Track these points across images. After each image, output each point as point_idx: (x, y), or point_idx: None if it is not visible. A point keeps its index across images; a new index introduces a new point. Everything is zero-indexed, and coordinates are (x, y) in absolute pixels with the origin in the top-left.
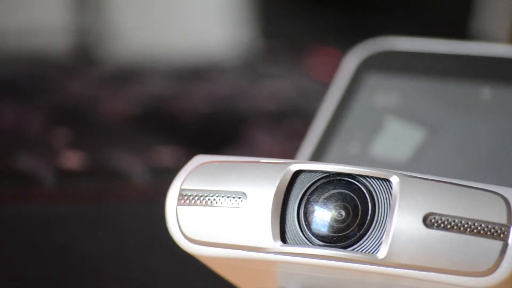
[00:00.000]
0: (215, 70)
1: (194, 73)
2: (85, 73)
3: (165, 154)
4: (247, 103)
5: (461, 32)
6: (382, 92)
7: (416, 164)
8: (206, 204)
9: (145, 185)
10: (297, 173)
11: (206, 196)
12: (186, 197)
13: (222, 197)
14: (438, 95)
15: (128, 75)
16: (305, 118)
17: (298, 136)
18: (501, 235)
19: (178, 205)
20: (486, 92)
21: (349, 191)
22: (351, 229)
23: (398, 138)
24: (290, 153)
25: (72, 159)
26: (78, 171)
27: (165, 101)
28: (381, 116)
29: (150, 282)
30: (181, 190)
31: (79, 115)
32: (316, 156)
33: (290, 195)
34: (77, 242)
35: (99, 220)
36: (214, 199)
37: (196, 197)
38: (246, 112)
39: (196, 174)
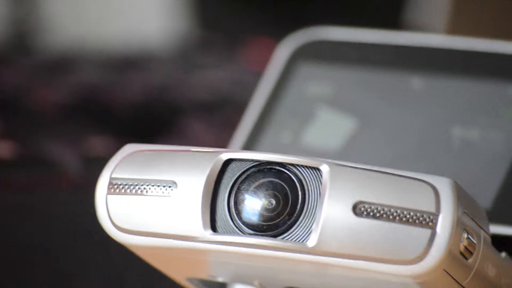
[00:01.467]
0: (150, 60)
1: (129, 63)
2: (19, 63)
3: (98, 144)
4: (182, 93)
5: (394, 22)
6: (314, 81)
7: (347, 154)
8: (136, 193)
9: (77, 174)
10: (228, 162)
11: (136, 185)
12: (116, 186)
13: (152, 186)
14: (370, 84)
15: (62, 64)
16: (240, 109)
17: (233, 127)
18: (430, 223)
19: (108, 194)
20: (417, 82)
21: (279, 180)
22: (281, 218)
23: (330, 127)
24: (224, 144)
25: (3, 149)
26: (10, 161)
27: (99, 90)
28: (313, 106)
29: (80, 271)
30: (111, 179)
31: (11, 104)
32: (248, 146)
33: (221, 184)
34: (8, 231)
35: (30, 209)
36: (144, 188)
37: (126, 186)
38: (181, 102)
39: (127, 163)
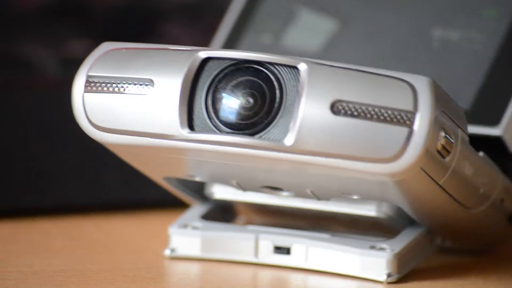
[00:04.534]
0: None
1: None
2: None
3: (77, 46)
4: None
5: None
6: None
7: (328, 54)
8: (113, 91)
9: (56, 76)
10: (206, 61)
11: (113, 83)
12: (93, 84)
13: (130, 84)
14: None
15: None
16: (223, 13)
17: (215, 31)
18: (407, 122)
19: (85, 92)
20: None
21: (257, 78)
22: (259, 116)
23: (311, 28)
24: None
25: None
26: None
27: None
28: (294, 7)
29: (58, 170)
30: (88, 76)
31: None
32: (228, 46)
33: (198, 83)
34: None
35: (10, 109)
36: (121, 86)
37: (103, 84)
38: (163, 6)
39: (103, 61)
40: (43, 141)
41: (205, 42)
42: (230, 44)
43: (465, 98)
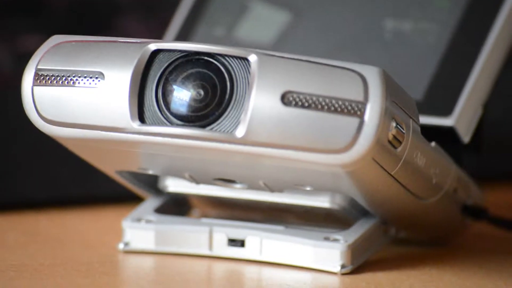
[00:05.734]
0: None
1: None
2: None
3: (32, 41)
4: None
5: None
6: None
7: (280, 46)
8: (63, 84)
9: (10, 71)
10: (156, 53)
11: (63, 76)
12: (42, 77)
13: (79, 77)
14: None
15: None
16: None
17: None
18: (358, 112)
19: (34, 85)
20: None
21: (208, 70)
22: (210, 108)
23: (263, 20)
24: None
25: None
26: None
27: None
28: None
29: (14, 168)
30: (37, 70)
31: None
32: (181, 39)
33: (149, 75)
34: None
35: None
36: (71, 79)
37: (53, 77)
38: (119, 1)
39: (53, 54)
40: None
41: (161, 36)
42: (182, 36)
43: (417, 89)
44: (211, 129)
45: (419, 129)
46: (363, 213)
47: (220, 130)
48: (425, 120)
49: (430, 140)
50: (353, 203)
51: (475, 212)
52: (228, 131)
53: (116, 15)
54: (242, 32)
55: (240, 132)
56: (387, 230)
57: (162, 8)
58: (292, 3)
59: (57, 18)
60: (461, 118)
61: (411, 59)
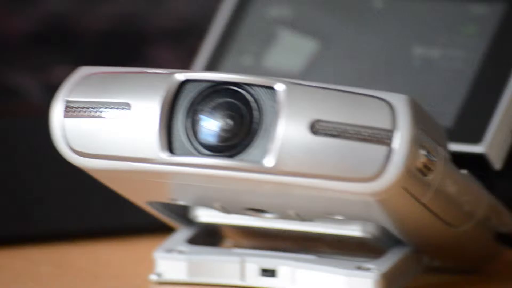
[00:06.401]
0: None
1: None
2: None
3: (63, 72)
4: (149, 22)
5: None
6: (275, 3)
7: (309, 75)
8: (91, 116)
9: (41, 103)
10: (184, 83)
11: (91, 107)
12: (70, 109)
13: (107, 108)
14: (330, 5)
15: None
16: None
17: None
18: (386, 141)
19: (62, 117)
20: (378, 1)
21: (236, 100)
22: (238, 138)
23: (291, 49)
24: None
25: None
26: None
27: (65, 19)
28: (274, 28)
29: (47, 200)
30: (65, 102)
31: None
32: (209, 68)
33: (177, 105)
34: None
35: None
36: (99, 110)
37: (81, 109)
38: (148, 31)
39: (81, 86)
40: (26, 167)
41: (190, 66)
42: (211, 66)
43: (447, 116)
44: (240, 159)
45: (449, 156)
46: (396, 242)
47: (248, 160)
48: (455, 147)
49: (461, 168)
50: (384, 232)
51: (508, 240)
52: (256, 160)
53: (145, 45)
54: (271, 60)
55: (268, 161)
56: (420, 259)
57: (190, 36)
58: (321, 31)
59: (86, 49)
60: (492, 145)
61: (440, 86)
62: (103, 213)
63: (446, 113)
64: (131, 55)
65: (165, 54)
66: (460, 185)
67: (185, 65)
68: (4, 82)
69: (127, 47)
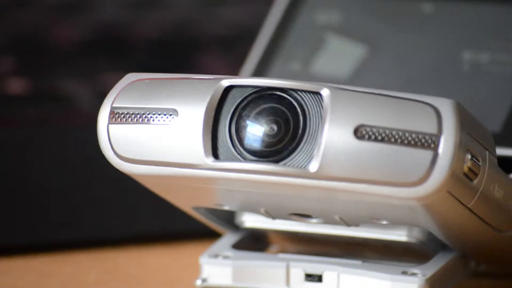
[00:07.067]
0: None
1: None
2: (35, 0)
3: (114, 80)
4: (199, 29)
5: None
6: (323, 9)
7: (356, 80)
8: (137, 122)
9: (91, 111)
10: (229, 89)
11: (138, 114)
12: (117, 115)
13: (153, 114)
14: (379, 10)
15: (80, 1)
16: None
17: None
18: (432, 145)
19: (109, 123)
20: (427, 6)
21: (280, 105)
22: (283, 143)
23: (339, 54)
24: None
25: (17, 85)
26: (24, 97)
27: (116, 27)
28: (322, 33)
29: (95, 206)
30: (112, 108)
31: (29, 42)
32: (257, 74)
33: (222, 111)
34: (21, 166)
35: (44, 144)
36: (145, 117)
37: (127, 115)
38: (198, 38)
39: (127, 92)
40: (76, 174)
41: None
42: (258, 72)
43: (495, 121)
44: (285, 164)
45: (496, 161)
46: (442, 247)
47: (293, 165)
48: (503, 151)
49: (508, 172)
50: (430, 237)
51: None
52: (301, 166)
53: (195, 52)
54: (318, 66)
55: (313, 166)
56: (466, 263)
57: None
58: (369, 36)
59: (140, 57)
60: None
61: (488, 90)
62: (150, 219)
63: (494, 118)
64: (182, 62)
65: (216, 61)
66: (507, 189)
67: (236, 72)
68: (56, 90)
69: (178, 54)
